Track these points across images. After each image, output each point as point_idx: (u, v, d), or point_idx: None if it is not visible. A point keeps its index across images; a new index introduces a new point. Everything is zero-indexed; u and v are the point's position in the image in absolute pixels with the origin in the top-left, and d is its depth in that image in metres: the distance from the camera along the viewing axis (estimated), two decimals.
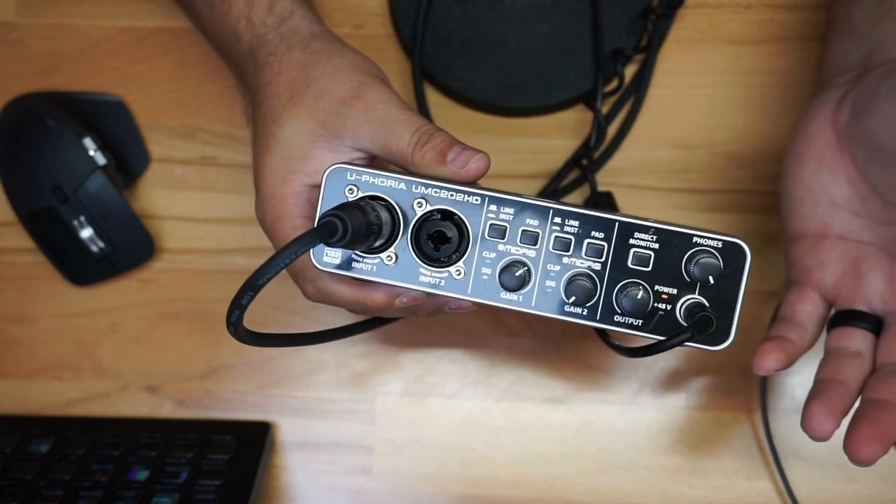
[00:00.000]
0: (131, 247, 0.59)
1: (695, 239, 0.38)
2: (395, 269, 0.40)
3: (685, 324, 0.38)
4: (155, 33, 0.62)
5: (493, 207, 0.39)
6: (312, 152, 0.43)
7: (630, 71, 0.60)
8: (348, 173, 0.40)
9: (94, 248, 0.59)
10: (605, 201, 0.57)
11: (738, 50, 0.59)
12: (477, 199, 0.39)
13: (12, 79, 0.62)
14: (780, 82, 0.59)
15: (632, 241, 0.38)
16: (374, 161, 0.45)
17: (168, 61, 0.62)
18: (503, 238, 0.39)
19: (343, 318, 0.60)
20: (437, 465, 0.58)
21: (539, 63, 0.59)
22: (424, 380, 0.59)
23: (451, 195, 0.39)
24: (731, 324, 0.38)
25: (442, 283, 0.40)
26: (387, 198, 0.39)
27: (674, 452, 0.57)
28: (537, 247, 0.39)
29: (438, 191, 0.39)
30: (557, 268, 0.39)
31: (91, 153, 0.58)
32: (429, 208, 0.39)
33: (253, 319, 0.59)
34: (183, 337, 0.60)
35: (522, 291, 0.39)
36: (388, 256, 0.40)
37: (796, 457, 0.56)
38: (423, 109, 0.60)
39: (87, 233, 0.58)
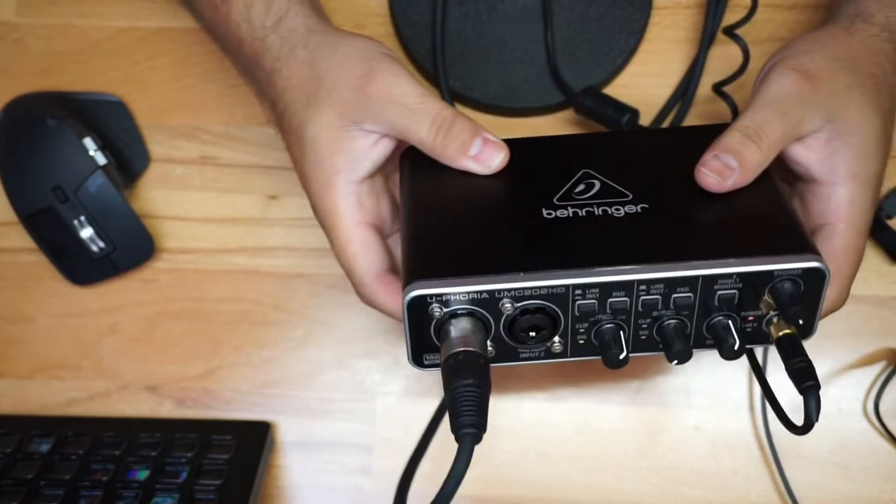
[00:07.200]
0: (131, 247, 0.59)
1: (775, 273, 0.38)
2: (495, 356, 0.40)
3: (769, 333, 0.40)
4: (155, 33, 0.62)
5: (578, 293, 0.38)
6: (342, 145, 0.43)
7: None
8: (427, 297, 0.38)
9: (94, 248, 0.59)
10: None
11: None
12: (561, 289, 0.38)
13: (12, 79, 0.62)
14: None
15: (716, 287, 0.38)
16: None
17: (168, 61, 0.62)
18: (593, 315, 0.39)
19: (354, 316, 0.60)
20: (437, 465, 0.58)
21: (539, 63, 0.59)
22: (424, 380, 0.59)
23: (534, 291, 0.38)
24: (813, 324, 0.40)
25: (542, 355, 0.40)
26: (473, 309, 0.38)
27: (674, 452, 0.57)
28: (626, 313, 0.39)
29: (521, 290, 0.38)
30: (648, 320, 0.39)
31: (91, 153, 0.58)
32: (516, 307, 0.38)
33: (252, 319, 0.60)
34: (183, 337, 0.60)
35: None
36: (490, 350, 0.40)
37: (796, 457, 0.56)
38: None
39: (87, 233, 0.58)
